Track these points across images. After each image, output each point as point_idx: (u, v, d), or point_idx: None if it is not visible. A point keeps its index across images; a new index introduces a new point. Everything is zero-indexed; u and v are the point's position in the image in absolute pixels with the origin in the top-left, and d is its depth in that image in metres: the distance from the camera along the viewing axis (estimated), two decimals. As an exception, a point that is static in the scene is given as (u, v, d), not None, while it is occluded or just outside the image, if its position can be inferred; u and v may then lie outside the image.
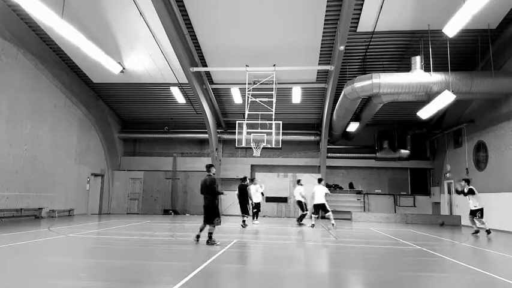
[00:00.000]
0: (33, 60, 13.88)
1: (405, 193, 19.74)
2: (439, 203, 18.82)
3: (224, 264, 6.05)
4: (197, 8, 12.16)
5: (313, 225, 13.15)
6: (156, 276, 5.00)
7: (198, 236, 8.29)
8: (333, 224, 12.70)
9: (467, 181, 11.73)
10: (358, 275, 5.63)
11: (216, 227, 8.16)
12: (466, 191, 11.45)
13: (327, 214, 12.92)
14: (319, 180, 13.70)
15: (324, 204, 12.93)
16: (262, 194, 15.35)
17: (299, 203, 14.41)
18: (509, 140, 12.90)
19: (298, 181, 14.87)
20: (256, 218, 14.39)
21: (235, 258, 6.74)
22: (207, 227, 8.15)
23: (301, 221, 14.25)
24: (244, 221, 12.93)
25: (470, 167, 15.42)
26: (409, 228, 14.08)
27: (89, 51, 12.38)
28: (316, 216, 14.56)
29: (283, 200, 19.24)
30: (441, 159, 18.57)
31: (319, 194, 13.07)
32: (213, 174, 8.37)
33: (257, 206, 14.55)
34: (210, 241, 7.98)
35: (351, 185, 20.20)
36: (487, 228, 11.17)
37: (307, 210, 14.26)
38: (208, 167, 8.51)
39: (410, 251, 8.05)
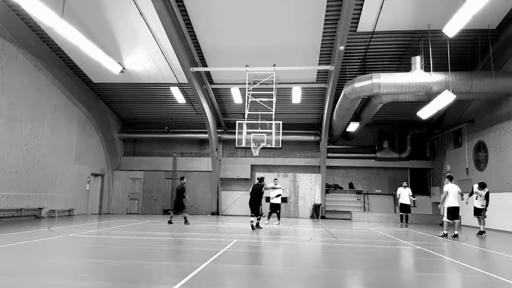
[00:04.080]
0: (33, 60, 13.88)
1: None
2: (439, 203, 18.76)
3: (224, 264, 6.05)
4: (197, 8, 12.16)
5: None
6: (156, 276, 4.99)
7: (258, 224, 12.05)
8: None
9: (484, 185, 11.52)
10: (358, 275, 5.63)
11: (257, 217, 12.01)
12: (482, 192, 11.33)
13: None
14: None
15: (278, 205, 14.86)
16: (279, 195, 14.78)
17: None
18: (509, 140, 12.90)
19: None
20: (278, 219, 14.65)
21: (235, 258, 6.74)
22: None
23: (407, 221, 14.80)
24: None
25: (470, 167, 15.40)
26: (409, 228, 14.08)
27: (89, 51, 12.37)
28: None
29: (283, 200, 19.20)
30: (441, 159, 18.56)
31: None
32: (264, 184, 12.28)
33: (277, 206, 14.83)
34: (257, 227, 11.93)
35: (351, 185, 20.20)
36: (482, 229, 11.33)
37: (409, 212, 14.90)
38: (261, 180, 12.41)
39: (410, 251, 8.05)
